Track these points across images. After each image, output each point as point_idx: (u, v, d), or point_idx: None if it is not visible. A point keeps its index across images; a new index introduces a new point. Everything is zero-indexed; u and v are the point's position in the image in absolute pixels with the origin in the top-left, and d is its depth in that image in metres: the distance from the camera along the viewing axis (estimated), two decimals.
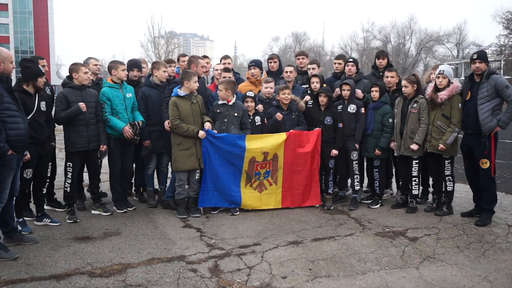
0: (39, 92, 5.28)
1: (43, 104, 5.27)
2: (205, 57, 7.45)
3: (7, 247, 4.57)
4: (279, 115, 6.24)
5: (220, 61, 7.50)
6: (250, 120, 6.27)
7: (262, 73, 7.41)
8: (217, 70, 7.21)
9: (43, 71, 5.35)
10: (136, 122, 6.05)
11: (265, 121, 6.37)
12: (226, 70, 6.77)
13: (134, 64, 6.56)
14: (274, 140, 6.14)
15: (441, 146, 5.77)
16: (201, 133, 5.83)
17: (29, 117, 5.06)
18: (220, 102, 6.12)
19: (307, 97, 6.62)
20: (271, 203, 6.24)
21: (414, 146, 5.98)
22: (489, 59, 5.88)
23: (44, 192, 5.77)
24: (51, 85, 6.35)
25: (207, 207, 6.17)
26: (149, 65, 7.85)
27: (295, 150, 6.24)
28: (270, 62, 7.60)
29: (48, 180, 5.81)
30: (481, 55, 5.68)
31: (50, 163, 5.78)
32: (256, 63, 7.30)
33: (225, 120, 6.07)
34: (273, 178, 6.24)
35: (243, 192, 6.11)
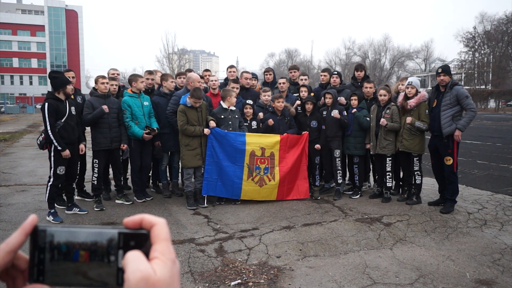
0: (68, 98, 5.23)
1: (73, 109, 5.22)
2: (206, 70, 7.48)
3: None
4: (270, 121, 6.23)
5: (227, 69, 7.44)
6: (247, 124, 6.25)
7: (257, 83, 7.41)
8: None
9: (69, 80, 5.32)
10: (153, 127, 5.99)
11: (260, 125, 6.36)
12: (234, 81, 6.71)
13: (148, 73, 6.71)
14: (269, 139, 6.12)
15: (409, 119, 5.69)
16: (206, 130, 5.77)
17: (62, 121, 5.02)
18: (224, 106, 6.03)
19: (298, 102, 6.62)
20: (268, 196, 6.18)
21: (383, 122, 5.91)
22: (452, 72, 5.88)
23: (73, 186, 5.73)
24: (82, 94, 6.34)
25: (214, 199, 6.14)
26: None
27: (288, 150, 6.22)
28: (266, 75, 7.56)
29: (77, 176, 5.78)
30: (445, 69, 5.66)
31: (78, 161, 5.74)
32: (254, 76, 7.29)
33: (230, 122, 6.03)
34: (271, 175, 6.20)
35: (244, 185, 6.03)
